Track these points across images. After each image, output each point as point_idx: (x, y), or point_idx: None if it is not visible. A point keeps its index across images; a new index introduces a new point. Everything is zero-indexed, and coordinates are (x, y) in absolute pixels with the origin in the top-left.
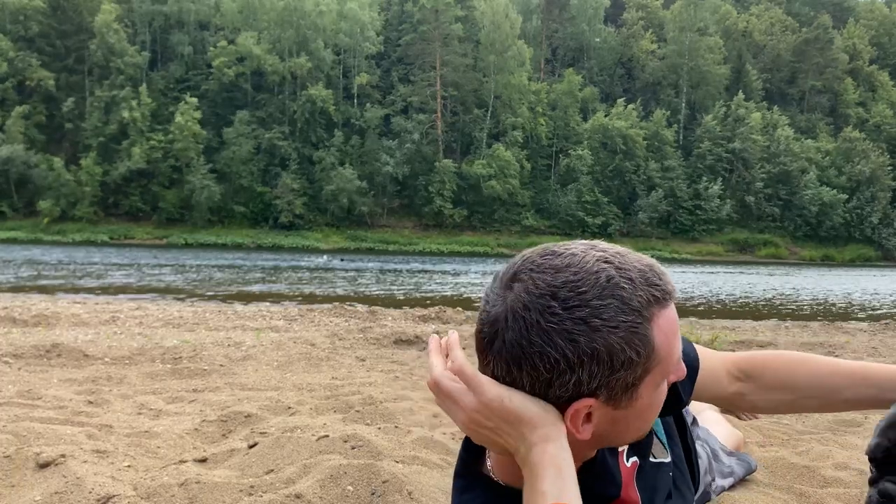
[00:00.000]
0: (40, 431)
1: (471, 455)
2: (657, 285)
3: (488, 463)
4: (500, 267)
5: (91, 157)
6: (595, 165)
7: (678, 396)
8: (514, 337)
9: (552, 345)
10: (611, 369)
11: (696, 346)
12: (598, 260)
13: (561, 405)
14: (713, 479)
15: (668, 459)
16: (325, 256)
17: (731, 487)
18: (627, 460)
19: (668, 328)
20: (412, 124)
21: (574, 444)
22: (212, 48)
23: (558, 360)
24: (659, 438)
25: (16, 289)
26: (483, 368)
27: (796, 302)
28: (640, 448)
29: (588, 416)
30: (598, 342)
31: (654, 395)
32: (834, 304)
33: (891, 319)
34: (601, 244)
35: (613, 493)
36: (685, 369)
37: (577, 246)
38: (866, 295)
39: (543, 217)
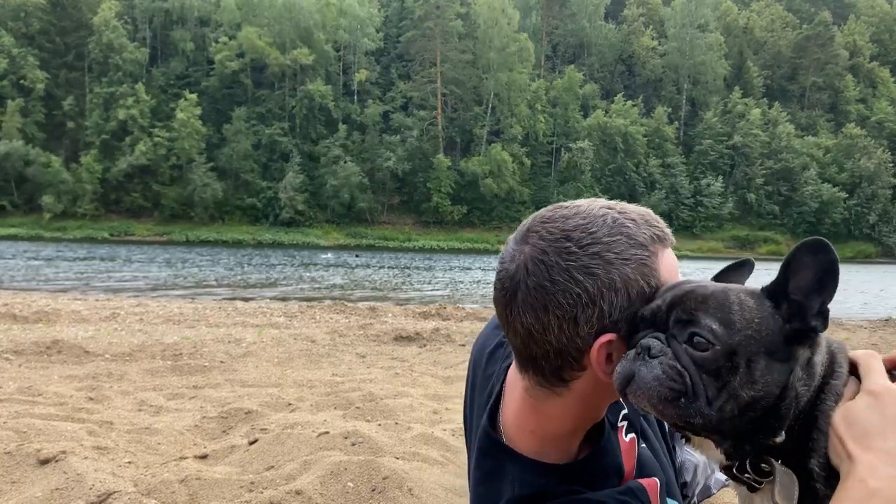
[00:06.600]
0: (41, 428)
1: (496, 428)
2: (656, 226)
3: (505, 439)
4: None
5: (92, 154)
6: (595, 163)
7: None
8: (537, 281)
9: (573, 280)
10: (628, 300)
11: None
12: (601, 207)
13: (588, 348)
14: (712, 472)
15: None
16: (329, 253)
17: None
18: (626, 436)
19: (672, 266)
20: (412, 121)
21: (598, 390)
22: (213, 43)
23: (580, 295)
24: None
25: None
26: (508, 325)
27: None
28: (634, 426)
29: (609, 357)
30: (614, 273)
31: None
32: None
33: (890, 317)
34: (602, 199)
35: (620, 463)
36: None
37: (581, 201)
38: (866, 291)
39: None
